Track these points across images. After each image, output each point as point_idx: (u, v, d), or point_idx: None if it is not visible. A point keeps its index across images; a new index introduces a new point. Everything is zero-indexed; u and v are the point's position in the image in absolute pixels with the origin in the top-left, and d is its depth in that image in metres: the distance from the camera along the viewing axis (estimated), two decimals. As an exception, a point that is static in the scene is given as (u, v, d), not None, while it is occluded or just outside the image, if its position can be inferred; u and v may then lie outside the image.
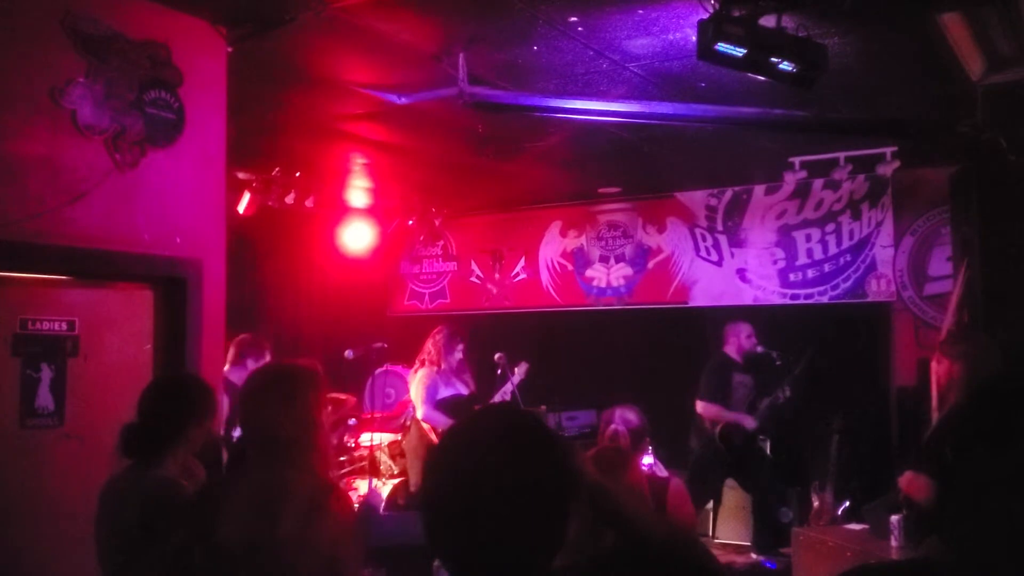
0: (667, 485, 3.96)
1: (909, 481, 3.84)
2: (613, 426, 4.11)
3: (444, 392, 6.38)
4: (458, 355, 6.54)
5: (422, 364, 6.53)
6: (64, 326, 3.53)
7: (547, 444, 1.38)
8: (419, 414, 6.37)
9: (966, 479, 1.20)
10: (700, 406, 6.69)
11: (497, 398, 6.70)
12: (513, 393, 6.75)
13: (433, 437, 6.14)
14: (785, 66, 3.50)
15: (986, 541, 1.15)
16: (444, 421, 6.15)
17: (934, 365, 4.22)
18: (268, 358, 5.77)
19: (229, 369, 5.51)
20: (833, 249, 7.40)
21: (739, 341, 6.80)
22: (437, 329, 6.66)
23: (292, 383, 2.40)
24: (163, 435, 2.72)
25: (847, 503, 6.01)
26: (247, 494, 2.26)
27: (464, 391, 6.51)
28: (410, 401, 6.72)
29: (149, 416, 2.76)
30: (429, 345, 6.55)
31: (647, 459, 5.86)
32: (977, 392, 1.30)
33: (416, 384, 6.50)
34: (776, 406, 6.68)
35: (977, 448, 1.20)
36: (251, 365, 5.59)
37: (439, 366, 6.44)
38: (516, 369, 6.90)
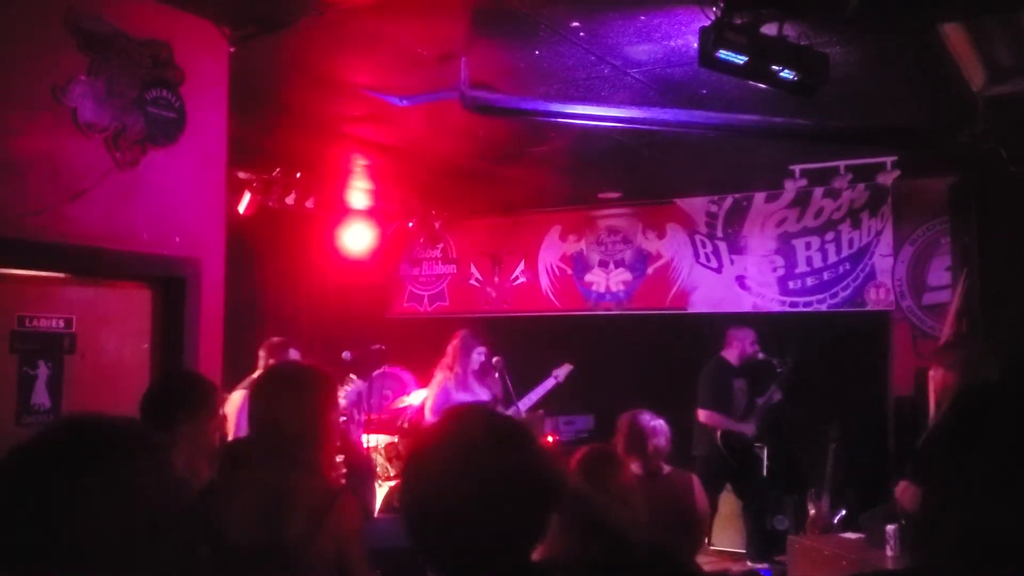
0: (691, 480, 3.92)
1: (903, 490, 3.84)
2: (656, 440, 4.01)
3: (459, 397, 6.31)
4: (478, 358, 6.50)
5: (440, 369, 6.53)
6: (62, 323, 3.52)
7: (523, 444, 1.41)
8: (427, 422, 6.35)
9: (950, 483, 1.19)
10: (703, 415, 6.65)
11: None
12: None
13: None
14: (786, 74, 3.51)
15: (969, 546, 1.15)
16: None
17: (931, 373, 4.23)
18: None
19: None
20: (832, 257, 7.40)
21: (743, 346, 6.81)
22: (456, 334, 6.64)
23: (303, 383, 2.39)
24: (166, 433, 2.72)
25: (843, 512, 6.01)
26: (253, 496, 2.25)
27: (484, 396, 6.46)
28: (404, 403, 6.70)
29: (152, 414, 2.76)
30: (448, 350, 6.54)
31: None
32: (962, 396, 1.30)
33: (429, 390, 6.50)
34: (769, 407, 6.69)
35: (961, 452, 1.19)
36: None
37: (454, 371, 6.43)
38: (556, 372, 6.91)
